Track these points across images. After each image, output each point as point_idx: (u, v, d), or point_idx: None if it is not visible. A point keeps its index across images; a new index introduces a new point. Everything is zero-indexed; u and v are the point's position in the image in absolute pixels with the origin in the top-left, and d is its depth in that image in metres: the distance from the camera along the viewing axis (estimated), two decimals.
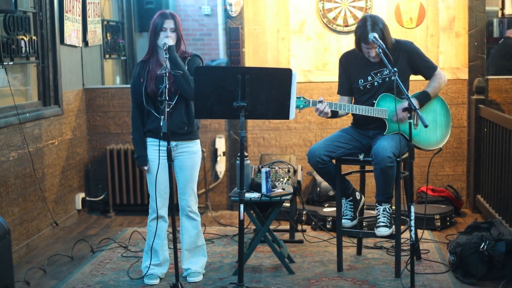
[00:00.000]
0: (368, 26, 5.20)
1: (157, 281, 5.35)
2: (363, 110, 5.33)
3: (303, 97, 5.32)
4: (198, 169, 5.44)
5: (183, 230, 5.44)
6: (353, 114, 5.52)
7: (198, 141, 5.42)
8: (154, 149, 5.29)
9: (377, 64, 5.37)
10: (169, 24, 5.19)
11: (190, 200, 5.38)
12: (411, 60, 5.43)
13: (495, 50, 8.59)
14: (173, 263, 5.13)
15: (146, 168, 5.34)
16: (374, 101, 5.36)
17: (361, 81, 5.45)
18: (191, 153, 5.34)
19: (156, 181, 5.22)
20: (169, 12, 5.28)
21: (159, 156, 5.20)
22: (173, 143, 5.25)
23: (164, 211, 5.38)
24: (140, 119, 5.34)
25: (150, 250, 5.37)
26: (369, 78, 5.42)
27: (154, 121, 5.24)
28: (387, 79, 5.38)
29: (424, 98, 5.40)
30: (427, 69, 5.48)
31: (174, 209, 4.96)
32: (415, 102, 5.24)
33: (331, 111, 5.33)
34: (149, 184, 5.38)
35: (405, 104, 5.02)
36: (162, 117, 4.81)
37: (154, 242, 5.34)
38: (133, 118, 5.38)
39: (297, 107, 5.26)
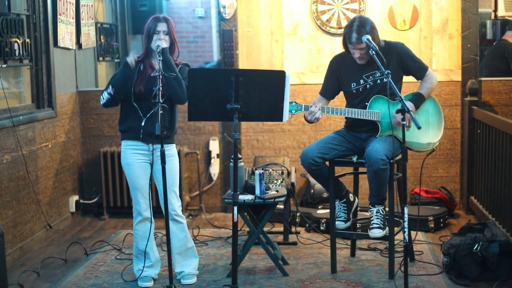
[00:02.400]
0: (354, 26, 5.22)
1: (151, 283, 5.34)
2: (355, 113, 5.33)
3: (295, 102, 5.33)
4: (178, 171, 5.43)
5: (171, 235, 5.42)
6: (346, 117, 5.52)
7: (174, 145, 5.43)
8: (134, 152, 5.28)
9: (369, 67, 5.37)
10: (162, 27, 5.20)
11: (174, 204, 5.35)
12: (402, 61, 5.44)
13: (489, 52, 8.61)
14: (166, 264, 5.13)
15: (134, 57, 5.21)
16: (367, 103, 5.37)
17: (353, 85, 5.46)
18: (169, 156, 5.29)
19: (153, 185, 5.23)
20: (163, 16, 5.30)
21: (153, 159, 5.22)
22: (151, 146, 5.26)
23: (148, 213, 5.37)
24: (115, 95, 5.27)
25: (142, 253, 5.37)
26: (362, 81, 5.43)
27: (135, 120, 5.23)
28: (378, 81, 5.39)
29: (418, 100, 5.41)
30: (418, 70, 5.49)
31: (167, 211, 4.95)
32: (410, 105, 5.26)
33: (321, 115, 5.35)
34: (131, 188, 5.37)
35: (399, 107, 5.04)
36: (157, 121, 4.78)
37: (144, 244, 5.33)
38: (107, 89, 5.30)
39: (290, 112, 5.27)
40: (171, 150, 5.37)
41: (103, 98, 5.29)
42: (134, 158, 5.28)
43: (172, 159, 5.34)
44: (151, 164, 5.31)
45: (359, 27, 5.21)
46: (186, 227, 5.47)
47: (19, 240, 6.17)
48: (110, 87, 5.22)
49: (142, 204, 5.33)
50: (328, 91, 5.61)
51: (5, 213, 5.92)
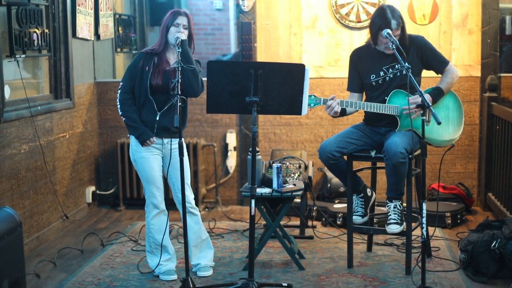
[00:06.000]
0: (388, 14, 5.20)
1: (175, 276, 5.31)
2: (374, 107, 5.31)
3: (314, 95, 5.30)
4: (188, 164, 5.44)
5: (187, 228, 5.41)
6: (364, 111, 5.50)
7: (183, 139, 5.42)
8: (150, 146, 5.28)
9: (389, 58, 5.35)
10: (182, 20, 5.20)
11: (188, 196, 5.33)
12: (422, 54, 5.42)
13: (508, 48, 8.55)
14: (182, 257, 5.12)
15: (154, 139, 5.24)
16: (386, 98, 5.35)
17: (373, 77, 5.43)
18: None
19: (170, 178, 5.21)
20: (183, 10, 5.31)
21: (170, 152, 5.21)
22: (164, 140, 5.25)
23: (164, 205, 5.38)
24: (131, 101, 5.27)
25: (158, 247, 5.34)
26: (381, 73, 5.41)
27: (149, 114, 5.23)
28: (398, 73, 5.36)
29: (437, 94, 5.37)
30: (439, 63, 5.46)
31: (185, 203, 4.93)
32: (428, 98, 5.22)
33: (340, 109, 5.32)
34: (146, 182, 5.34)
35: (417, 97, 5.01)
36: (175, 113, 4.75)
37: (161, 237, 5.32)
38: (124, 101, 5.27)
39: (308, 105, 5.25)
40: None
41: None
42: (148, 151, 5.26)
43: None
44: (163, 158, 5.31)
45: (392, 14, 5.22)
46: (200, 218, 5.46)
47: (36, 230, 6.19)
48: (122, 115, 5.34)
49: (158, 197, 5.32)
50: (354, 86, 5.58)
51: (22, 203, 5.94)
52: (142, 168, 5.31)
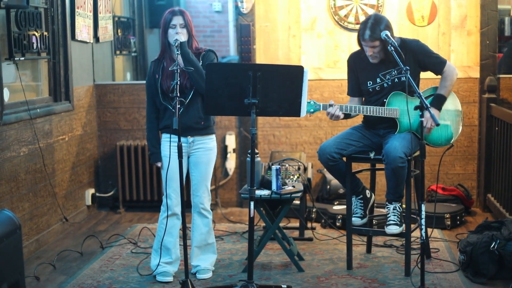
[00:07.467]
0: (368, 24, 5.21)
1: (170, 279, 5.30)
2: (374, 110, 5.30)
3: (313, 101, 5.30)
4: (213, 166, 5.42)
5: (194, 227, 5.42)
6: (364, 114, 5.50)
7: (214, 136, 5.42)
8: (172, 145, 5.25)
9: (384, 65, 5.34)
10: (178, 20, 5.18)
11: (203, 197, 5.36)
12: (418, 59, 5.40)
13: (507, 49, 8.55)
14: (183, 260, 5.12)
15: (159, 164, 5.34)
16: (385, 100, 5.34)
17: (369, 83, 5.43)
18: (207, 149, 5.33)
19: (167, 178, 5.19)
20: (178, 9, 5.28)
21: (170, 151, 5.20)
22: (190, 139, 5.26)
23: (178, 209, 5.33)
24: (155, 114, 5.35)
25: (164, 248, 5.33)
26: (378, 80, 5.40)
27: (170, 117, 5.22)
28: (396, 79, 5.35)
29: (439, 102, 5.36)
30: (436, 65, 5.44)
31: (184, 205, 4.95)
32: (435, 113, 5.24)
33: (343, 113, 5.32)
34: (164, 181, 5.34)
35: (426, 114, 4.98)
36: (175, 115, 4.78)
37: (167, 240, 5.32)
38: (148, 115, 5.40)
39: (308, 111, 5.25)
40: (210, 143, 5.38)
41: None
42: (172, 151, 5.26)
43: (209, 153, 5.37)
44: (188, 157, 5.34)
45: (373, 25, 5.19)
46: (211, 222, 5.46)
47: (36, 232, 6.19)
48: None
49: (173, 199, 5.29)
50: (353, 90, 5.59)
51: (21, 206, 5.94)
52: (163, 166, 5.33)
